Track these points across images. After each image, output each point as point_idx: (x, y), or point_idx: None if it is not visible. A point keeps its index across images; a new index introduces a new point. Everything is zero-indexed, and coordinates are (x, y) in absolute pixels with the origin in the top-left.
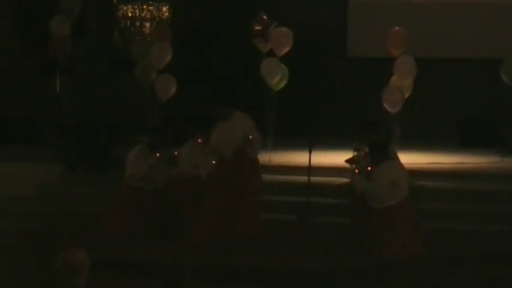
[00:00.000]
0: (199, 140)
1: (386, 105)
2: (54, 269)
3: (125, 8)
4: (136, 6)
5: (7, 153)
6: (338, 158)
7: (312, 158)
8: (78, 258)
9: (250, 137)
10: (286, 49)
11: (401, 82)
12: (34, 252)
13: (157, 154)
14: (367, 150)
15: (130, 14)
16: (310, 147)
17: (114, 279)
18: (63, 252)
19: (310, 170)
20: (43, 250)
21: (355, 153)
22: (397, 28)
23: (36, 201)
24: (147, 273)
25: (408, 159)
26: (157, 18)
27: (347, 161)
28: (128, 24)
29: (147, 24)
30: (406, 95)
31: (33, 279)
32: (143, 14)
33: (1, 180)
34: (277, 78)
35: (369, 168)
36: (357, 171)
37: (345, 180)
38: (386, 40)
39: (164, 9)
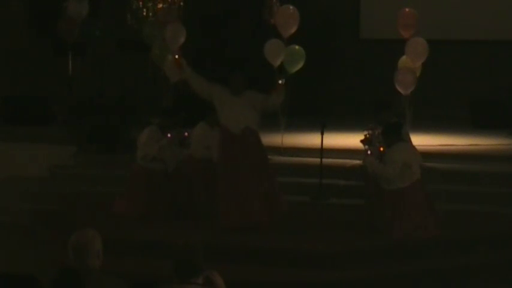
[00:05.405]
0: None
1: (398, 87)
2: (66, 249)
3: None
4: None
5: (20, 134)
6: (350, 139)
7: (324, 139)
8: (90, 239)
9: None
10: (292, 30)
11: (413, 64)
12: (47, 233)
13: (169, 135)
14: (381, 130)
15: None
16: (323, 129)
17: (125, 260)
18: (75, 232)
19: (322, 151)
20: (56, 230)
21: (369, 131)
22: (407, 9)
23: (49, 182)
24: (159, 254)
25: (420, 141)
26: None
27: (362, 141)
28: (140, 5)
29: (160, 5)
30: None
31: (46, 259)
32: None
33: (14, 161)
34: (280, 59)
35: (381, 149)
36: (369, 152)
37: (357, 162)
38: (397, 21)
39: None
